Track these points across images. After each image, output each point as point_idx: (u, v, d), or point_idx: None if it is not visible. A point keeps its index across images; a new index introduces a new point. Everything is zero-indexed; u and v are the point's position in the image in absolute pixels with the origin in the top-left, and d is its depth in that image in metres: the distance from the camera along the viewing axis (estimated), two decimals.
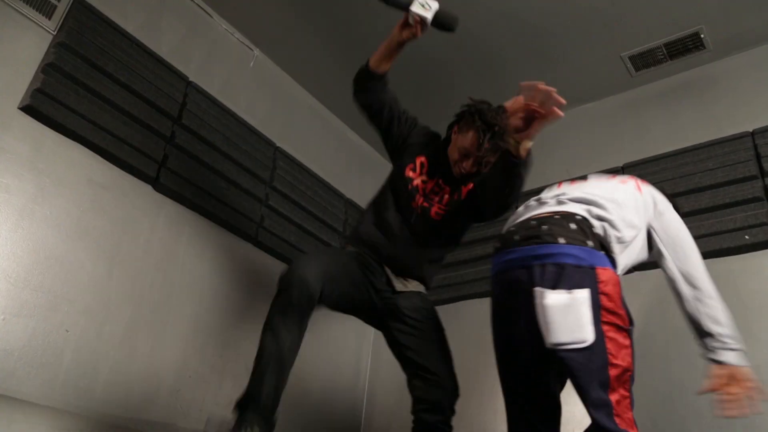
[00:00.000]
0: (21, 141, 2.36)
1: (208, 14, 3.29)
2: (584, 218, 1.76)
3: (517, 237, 1.80)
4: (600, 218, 1.77)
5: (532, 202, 1.99)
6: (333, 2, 3.20)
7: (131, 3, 2.89)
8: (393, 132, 2.36)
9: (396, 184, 2.28)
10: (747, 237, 2.70)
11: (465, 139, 2.16)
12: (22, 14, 2.46)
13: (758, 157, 2.84)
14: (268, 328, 1.93)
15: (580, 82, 3.56)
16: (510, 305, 1.81)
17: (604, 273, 1.66)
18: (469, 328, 3.40)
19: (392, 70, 3.58)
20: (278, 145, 3.44)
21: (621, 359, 1.61)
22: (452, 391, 2.06)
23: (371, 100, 2.31)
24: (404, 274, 2.22)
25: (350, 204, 3.81)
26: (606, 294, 1.63)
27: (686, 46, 3.22)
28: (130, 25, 2.84)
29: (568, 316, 1.60)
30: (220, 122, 3.11)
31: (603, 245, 1.75)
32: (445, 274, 3.61)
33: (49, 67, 2.46)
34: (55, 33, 2.54)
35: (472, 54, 3.43)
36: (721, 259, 2.75)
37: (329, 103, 3.93)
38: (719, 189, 2.87)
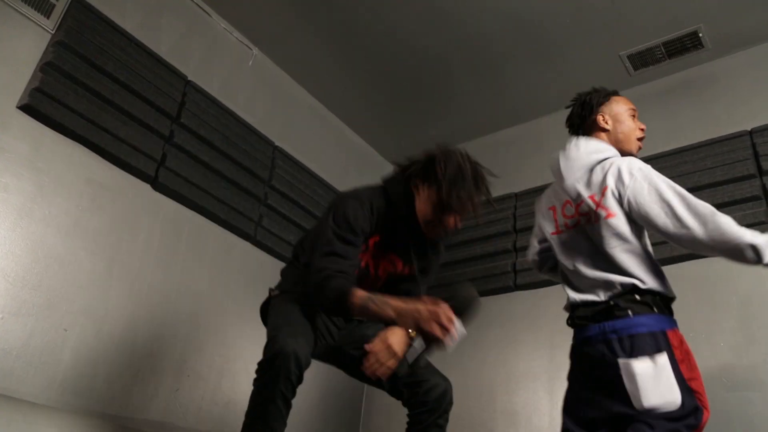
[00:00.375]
0: (20, 140, 2.35)
1: (207, 13, 3.29)
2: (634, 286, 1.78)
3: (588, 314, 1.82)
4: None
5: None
6: (332, 2, 3.20)
7: (130, 2, 2.89)
8: None
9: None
10: None
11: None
12: (21, 13, 2.46)
13: (756, 155, 2.84)
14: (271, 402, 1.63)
15: (579, 81, 3.54)
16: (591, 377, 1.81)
17: (674, 336, 1.73)
18: (467, 327, 3.40)
19: (391, 68, 3.59)
20: (277, 144, 3.44)
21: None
22: (448, 386, 1.93)
23: None
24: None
25: None
26: (680, 359, 1.69)
27: (685, 45, 3.22)
28: (129, 24, 2.84)
29: (657, 380, 1.65)
30: (219, 121, 3.11)
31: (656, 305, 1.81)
32: (443, 274, 3.61)
33: (47, 66, 2.46)
34: (53, 32, 2.54)
35: (472, 52, 3.43)
36: (720, 258, 2.74)
37: (328, 102, 3.93)
38: (717, 188, 2.87)
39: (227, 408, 2.84)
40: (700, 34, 3.14)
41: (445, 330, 1.57)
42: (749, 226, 2.66)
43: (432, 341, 1.59)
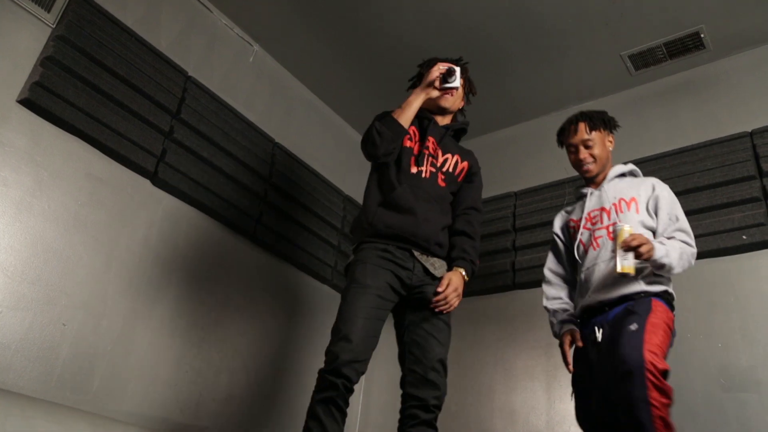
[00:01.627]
0: (19, 134, 2.35)
1: (208, 9, 3.28)
2: None
3: None
4: None
5: None
6: None
7: None
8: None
9: (396, 161, 2.23)
10: (744, 237, 2.70)
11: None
12: (21, 7, 2.46)
13: (756, 157, 2.84)
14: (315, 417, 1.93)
15: (580, 81, 3.56)
16: None
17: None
18: (465, 326, 3.41)
19: (391, 65, 3.59)
20: (277, 140, 3.44)
21: None
22: (444, 392, 2.07)
23: (397, 149, 2.24)
24: (431, 251, 2.16)
25: (349, 200, 3.81)
26: None
27: (686, 46, 3.22)
28: (130, 18, 2.83)
29: None
30: (218, 117, 3.11)
31: None
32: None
33: (47, 61, 2.45)
34: (54, 26, 2.54)
35: (472, 51, 3.41)
36: (719, 258, 2.76)
37: (328, 99, 3.92)
38: (717, 189, 2.87)
39: (225, 404, 2.85)
40: (702, 35, 3.14)
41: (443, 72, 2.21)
42: (749, 227, 2.70)
43: None
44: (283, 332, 3.23)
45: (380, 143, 2.11)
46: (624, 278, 2.05)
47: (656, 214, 2.16)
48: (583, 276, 2.21)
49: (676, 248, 2.03)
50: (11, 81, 2.38)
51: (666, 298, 2.11)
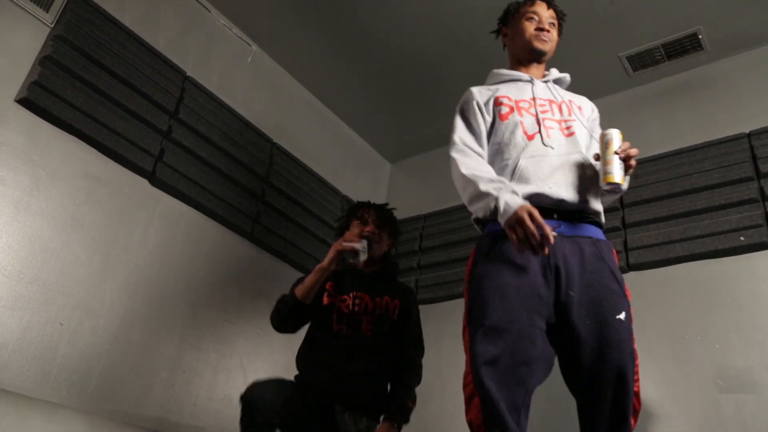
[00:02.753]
0: (17, 133, 2.35)
1: (206, 8, 3.28)
2: None
3: None
4: None
5: None
6: (332, 0, 3.20)
7: None
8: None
9: (320, 321, 2.28)
10: (742, 238, 2.71)
11: (355, 228, 2.38)
12: (20, 6, 2.46)
13: (754, 158, 2.84)
14: None
15: (578, 82, 3.51)
16: None
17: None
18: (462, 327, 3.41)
19: (390, 67, 3.59)
20: (275, 140, 3.44)
21: None
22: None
23: (300, 324, 2.32)
24: (356, 407, 2.18)
25: (346, 200, 3.81)
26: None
27: (684, 47, 3.23)
28: (128, 18, 2.83)
29: None
30: (216, 117, 3.11)
31: None
32: (440, 272, 3.62)
33: (46, 60, 2.45)
34: (52, 26, 2.53)
35: (469, 52, 3.42)
36: (716, 260, 2.76)
37: (327, 100, 3.93)
38: (715, 190, 2.87)
39: (222, 404, 2.84)
40: (700, 36, 3.14)
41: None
42: (746, 229, 2.70)
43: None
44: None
45: (277, 321, 2.26)
46: (597, 189, 1.73)
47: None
48: (522, 163, 1.76)
49: None
50: (9, 80, 2.38)
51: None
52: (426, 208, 3.96)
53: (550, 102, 1.96)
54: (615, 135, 1.71)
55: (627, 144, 1.70)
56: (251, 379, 2.97)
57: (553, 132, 1.86)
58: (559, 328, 1.64)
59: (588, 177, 1.76)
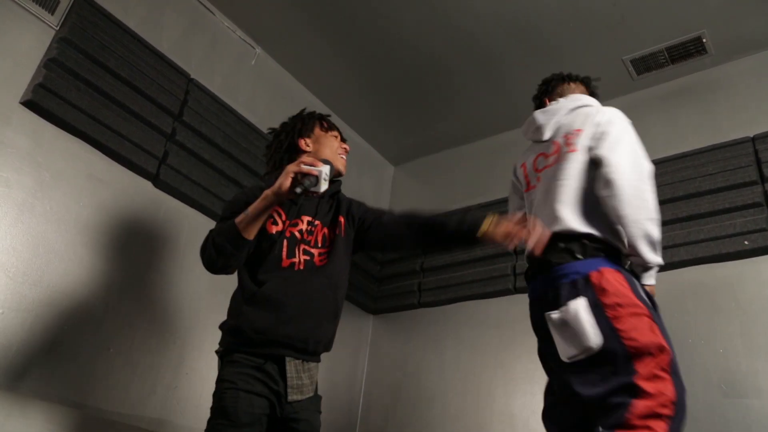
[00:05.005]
0: (22, 135, 2.35)
1: (210, 11, 3.29)
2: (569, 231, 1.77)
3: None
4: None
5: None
6: (336, 2, 3.20)
7: None
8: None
9: (261, 251, 1.86)
10: (746, 242, 2.70)
11: (332, 139, 2.11)
12: (25, 9, 2.46)
13: (758, 162, 2.84)
14: None
15: None
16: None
17: (596, 275, 1.66)
18: (466, 330, 3.42)
19: (393, 69, 3.59)
20: None
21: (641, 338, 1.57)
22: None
23: (240, 261, 1.87)
24: (305, 353, 1.81)
25: None
26: (603, 290, 1.63)
27: (688, 50, 3.22)
28: (132, 20, 2.83)
29: (566, 327, 1.63)
30: (220, 119, 3.11)
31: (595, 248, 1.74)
32: (443, 275, 3.61)
33: (50, 62, 2.46)
34: (57, 28, 2.54)
35: (474, 55, 3.43)
36: (720, 264, 2.75)
37: (330, 102, 3.93)
38: (719, 194, 2.87)
39: None
40: (704, 40, 3.14)
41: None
42: (751, 233, 2.69)
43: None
44: None
45: (217, 260, 1.81)
46: None
47: None
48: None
49: None
50: (14, 82, 2.39)
51: None
52: (428, 210, 3.96)
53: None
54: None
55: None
56: None
57: None
58: None
59: None
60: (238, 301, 1.84)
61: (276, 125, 3.44)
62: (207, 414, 2.73)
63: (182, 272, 2.81)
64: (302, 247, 1.88)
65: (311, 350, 1.82)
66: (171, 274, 2.76)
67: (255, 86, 3.46)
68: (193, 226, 2.91)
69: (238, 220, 1.76)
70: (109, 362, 2.43)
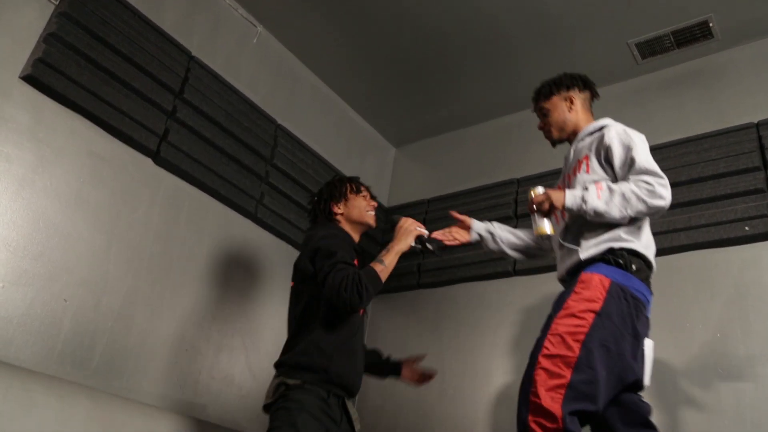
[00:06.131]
0: (22, 110, 2.35)
1: None
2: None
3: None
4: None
5: None
6: None
7: None
8: None
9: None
10: (747, 228, 2.69)
11: (361, 199, 2.36)
12: None
13: (762, 148, 2.82)
14: None
15: (586, 68, 3.46)
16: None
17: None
18: (464, 311, 3.43)
19: (396, 50, 3.56)
20: (280, 122, 3.43)
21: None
22: None
23: None
24: (353, 396, 2.15)
25: None
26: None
27: (694, 35, 3.19)
28: None
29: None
30: (221, 98, 3.10)
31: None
32: (443, 257, 3.62)
33: (50, 37, 2.44)
34: (57, 2, 2.52)
35: (479, 36, 3.40)
36: (721, 249, 2.75)
37: (332, 82, 3.91)
38: (721, 179, 2.86)
39: (224, 382, 2.87)
40: (711, 24, 3.11)
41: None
42: (752, 219, 2.69)
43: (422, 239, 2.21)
44: (281, 313, 3.23)
45: (366, 301, 2.01)
46: (567, 250, 1.97)
47: (611, 164, 1.97)
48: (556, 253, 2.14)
49: (615, 191, 1.83)
50: (14, 57, 2.38)
51: (613, 258, 1.87)
52: (429, 193, 3.96)
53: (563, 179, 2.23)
54: (529, 193, 1.99)
55: (530, 200, 1.96)
56: (253, 358, 3.01)
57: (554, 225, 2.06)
58: None
59: (567, 249, 2.00)
60: (329, 346, 2.05)
61: (277, 105, 3.46)
62: (206, 390, 2.77)
63: (182, 248, 2.82)
64: None
65: (355, 393, 2.16)
66: (171, 250, 2.77)
67: (257, 65, 3.44)
68: (193, 204, 2.91)
69: (378, 269, 2.06)
70: (109, 337, 2.45)
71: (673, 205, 2.89)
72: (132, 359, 2.51)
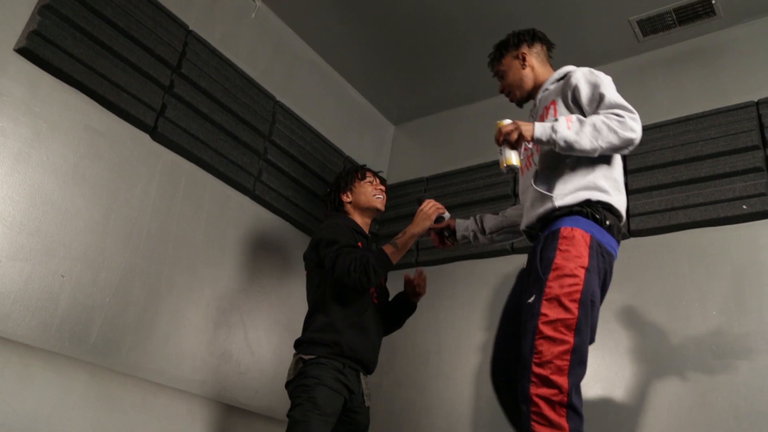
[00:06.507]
0: (17, 83, 2.33)
1: None
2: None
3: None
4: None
5: None
6: None
7: None
8: None
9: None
10: (744, 207, 2.70)
11: (367, 185, 2.51)
12: None
13: (761, 127, 2.82)
14: None
15: (587, 46, 3.50)
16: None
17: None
18: (462, 288, 3.44)
19: (396, 27, 3.53)
20: (278, 99, 3.41)
21: None
22: None
23: None
24: (369, 371, 2.32)
25: (349, 161, 3.79)
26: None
27: (696, 12, 3.16)
28: None
29: None
30: (219, 73, 3.07)
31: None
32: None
33: (45, 9, 2.41)
34: None
35: (480, 12, 3.36)
36: (718, 228, 2.76)
37: (331, 59, 3.87)
38: (720, 158, 2.85)
39: (222, 358, 2.88)
40: (713, 1, 3.07)
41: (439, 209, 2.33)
42: (749, 197, 2.69)
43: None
44: (279, 289, 3.25)
45: (375, 280, 2.16)
46: (539, 196, 1.93)
47: (579, 105, 1.96)
48: (520, 201, 2.16)
49: (586, 122, 1.81)
50: (8, 29, 2.34)
51: (590, 212, 1.85)
52: (428, 171, 3.95)
53: None
54: (497, 126, 1.95)
55: (498, 131, 1.93)
56: (251, 335, 3.02)
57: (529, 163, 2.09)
58: None
59: (539, 195, 1.95)
60: (340, 322, 2.20)
61: (276, 81, 3.43)
62: (204, 366, 2.79)
63: (179, 225, 2.81)
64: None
65: (371, 370, 2.31)
66: (168, 226, 2.76)
67: (255, 40, 3.40)
68: (190, 180, 2.90)
69: (389, 251, 2.19)
70: (107, 313, 2.45)
71: (672, 184, 2.91)
72: (130, 335, 2.52)
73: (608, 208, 1.88)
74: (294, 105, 3.51)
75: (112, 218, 2.54)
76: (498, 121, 1.95)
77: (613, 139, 1.79)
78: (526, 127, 1.86)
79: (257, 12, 3.44)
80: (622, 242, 2.95)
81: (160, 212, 2.74)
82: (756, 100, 2.89)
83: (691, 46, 3.32)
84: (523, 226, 2.06)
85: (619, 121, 1.81)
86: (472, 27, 3.47)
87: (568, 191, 1.88)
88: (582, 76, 1.97)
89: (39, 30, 2.36)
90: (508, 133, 1.89)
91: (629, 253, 2.92)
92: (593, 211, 1.84)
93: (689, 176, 2.89)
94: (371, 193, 2.48)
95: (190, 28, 2.99)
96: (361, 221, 2.48)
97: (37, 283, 2.26)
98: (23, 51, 2.34)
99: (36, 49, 2.35)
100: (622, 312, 2.81)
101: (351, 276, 2.12)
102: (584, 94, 1.94)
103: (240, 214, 3.12)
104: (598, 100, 1.90)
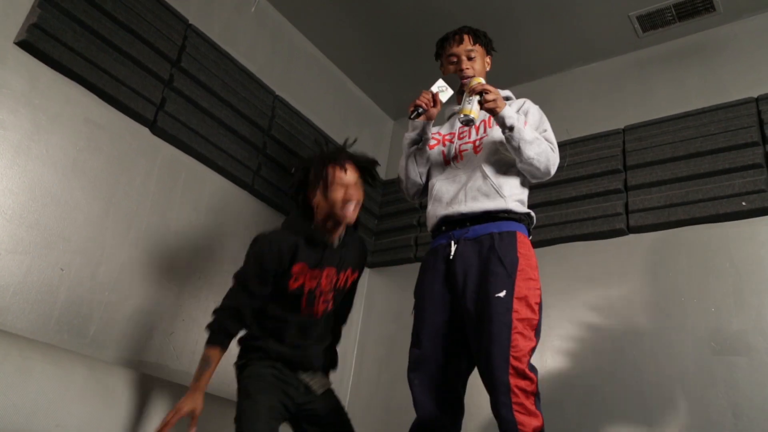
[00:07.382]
0: (17, 76, 2.32)
1: None
2: None
3: None
4: None
5: None
6: None
7: None
8: None
9: (286, 304, 2.12)
10: (744, 203, 2.70)
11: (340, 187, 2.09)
12: None
13: (761, 123, 2.81)
14: None
15: (586, 41, 3.50)
16: None
17: None
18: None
19: (395, 21, 3.52)
20: (278, 93, 3.40)
21: None
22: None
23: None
24: (314, 370, 2.18)
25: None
26: None
27: (696, 8, 3.16)
28: None
29: None
30: (219, 67, 3.07)
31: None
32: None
33: (45, 2, 2.40)
34: None
35: (479, 10, 3.36)
36: (717, 224, 2.76)
37: (331, 53, 3.87)
38: (719, 154, 2.85)
39: None
40: None
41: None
42: (749, 194, 2.69)
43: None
44: None
45: (213, 340, 2.15)
46: (490, 190, 2.04)
47: None
48: (437, 186, 2.19)
49: (537, 136, 2.02)
50: (8, 22, 2.33)
51: (528, 222, 2.08)
52: None
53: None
54: (474, 78, 2.13)
55: (478, 83, 2.07)
56: None
57: (466, 153, 2.18)
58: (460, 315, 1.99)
59: (490, 189, 2.05)
60: (263, 333, 2.16)
61: (275, 75, 3.42)
62: None
63: (179, 220, 2.81)
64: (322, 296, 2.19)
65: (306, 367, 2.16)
66: (167, 220, 2.76)
67: (254, 35, 3.40)
68: (190, 174, 2.90)
69: (205, 364, 2.16)
70: (106, 306, 2.45)
71: (671, 180, 2.92)
72: (129, 328, 2.52)
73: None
74: (293, 99, 3.51)
75: (112, 212, 2.54)
76: (477, 79, 2.11)
77: (542, 164, 2.01)
78: (501, 101, 2.01)
79: (257, 6, 3.43)
80: (621, 238, 2.98)
81: (160, 206, 2.73)
82: (756, 96, 2.89)
83: (690, 41, 3.32)
84: (455, 212, 2.07)
85: (553, 155, 2.05)
86: (471, 22, 3.44)
87: (515, 197, 2.06)
88: (535, 107, 2.21)
89: (39, 23, 2.35)
90: (486, 92, 2.01)
91: (628, 249, 2.93)
92: (530, 223, 2.09)
93: (688, 172, 2.89)
94: (339, 201, 2.04)
95: (190, 21, 2.99)
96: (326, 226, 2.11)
97: (36, 276, 2.26)
98: (23, 44, 2.33)
99: (36, 42, 2.34)
100: (621, 308, 2.82)
101: (214, 318, 2.11)
102: (534, 120, 2.14)
103: (239, 208, 3.12)
104: (542, 131, 2.11)
